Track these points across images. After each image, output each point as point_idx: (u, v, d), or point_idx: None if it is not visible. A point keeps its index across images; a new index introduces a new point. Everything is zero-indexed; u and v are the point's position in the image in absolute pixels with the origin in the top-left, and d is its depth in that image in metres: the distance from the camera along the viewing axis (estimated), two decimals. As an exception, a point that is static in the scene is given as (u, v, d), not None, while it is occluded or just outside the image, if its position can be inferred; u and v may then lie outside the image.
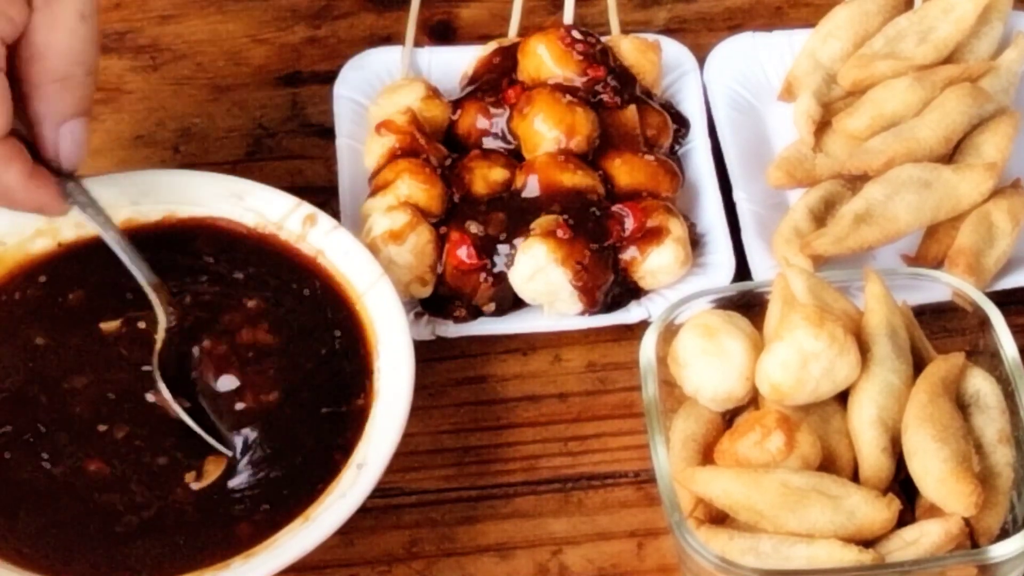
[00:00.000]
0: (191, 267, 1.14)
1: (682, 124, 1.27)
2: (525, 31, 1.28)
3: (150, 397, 1.08)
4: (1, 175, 1.04)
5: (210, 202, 1.17)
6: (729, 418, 1.07)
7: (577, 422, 1.15)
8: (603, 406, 1.15)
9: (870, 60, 1.25)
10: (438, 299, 1.17)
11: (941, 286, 1.09)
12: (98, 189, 1.10)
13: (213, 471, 1.06)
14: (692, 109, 1.27)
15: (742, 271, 1.18)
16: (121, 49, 1.35)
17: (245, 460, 1.06)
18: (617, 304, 1.17)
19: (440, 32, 1.36)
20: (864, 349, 1.04)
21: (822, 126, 1.23)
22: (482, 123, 1.24)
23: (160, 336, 1.09)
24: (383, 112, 1.24)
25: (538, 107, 1.21)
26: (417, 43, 1.31)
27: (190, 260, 1.15)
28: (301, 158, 1.29)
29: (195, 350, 1.09)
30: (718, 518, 1.02)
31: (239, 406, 1.07)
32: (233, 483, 1.06)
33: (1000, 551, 0.98)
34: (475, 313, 1.17)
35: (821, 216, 1.19)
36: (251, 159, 1.29)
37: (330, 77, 1.29)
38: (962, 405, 1.05)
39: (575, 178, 1.18)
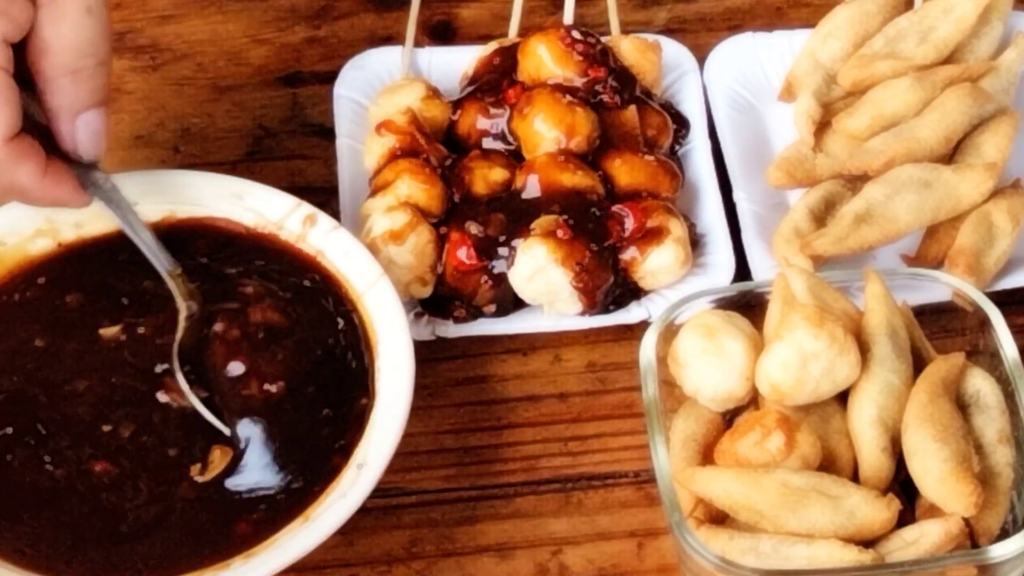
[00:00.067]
0: (191, 267, 1.14)
1: (682, 124, 1.27)
2: (525, 31, 1.28)
3: (161, 397, 1.08)
4: (14, 174, 1.05)
5: (210, 202, 1.17)
6: (729, 418, 1.06)
7: (577, 422, 1.15)
8: (603, 406, 1.15)
9: (870, 60, 1.25)
10: (438, 299, 1.17)
11: (941, 286, 1.09)
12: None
13: (219, 462, 1.06)
14: (692, 109, 1.27)
15: (742, 271, 1.18)
16: (121, 49, 1.34)
17: (247, 457, 1.06)
18: (617, 304, 1.17)
19: (440, 32, 1.36)
20: (864, 349, 1.04)
21: (822, 126, 1.23)
22: (482, 123, 1.23)
23: (181, 325, 1.10)
24: (383, 112, 1.24)
25: (538, 107, 1.21)
26: (417, 43, 1.31)
27: (190, 260, 1.14)
28: (301, 158, 1.29)
29: (206, 331, 1.10)
30: (718, 518, 1.02)
31: (245, 392, 1.07)
32: (234, 481, 1.06)
33: (1000, 551, 0.98)
34: (475, 313, 1.17)
35: (821, 216, 1.19)
36: (251, 159, 1.29)
37: (330, 77, 1.29)
38: (962, 405, 1.05)
39: (575, 178, 1.18)
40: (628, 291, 1.18)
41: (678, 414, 1.06)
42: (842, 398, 1.04)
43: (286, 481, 1.06)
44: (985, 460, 1.03)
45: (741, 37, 1.32)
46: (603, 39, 1.26)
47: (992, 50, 1.28)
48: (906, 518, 1.01)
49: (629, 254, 1.17)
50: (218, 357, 1.08)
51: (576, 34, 1.24)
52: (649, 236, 1.17)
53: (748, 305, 1.08)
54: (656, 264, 1.17)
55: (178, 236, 1.15)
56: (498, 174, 1.20)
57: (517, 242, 1.16)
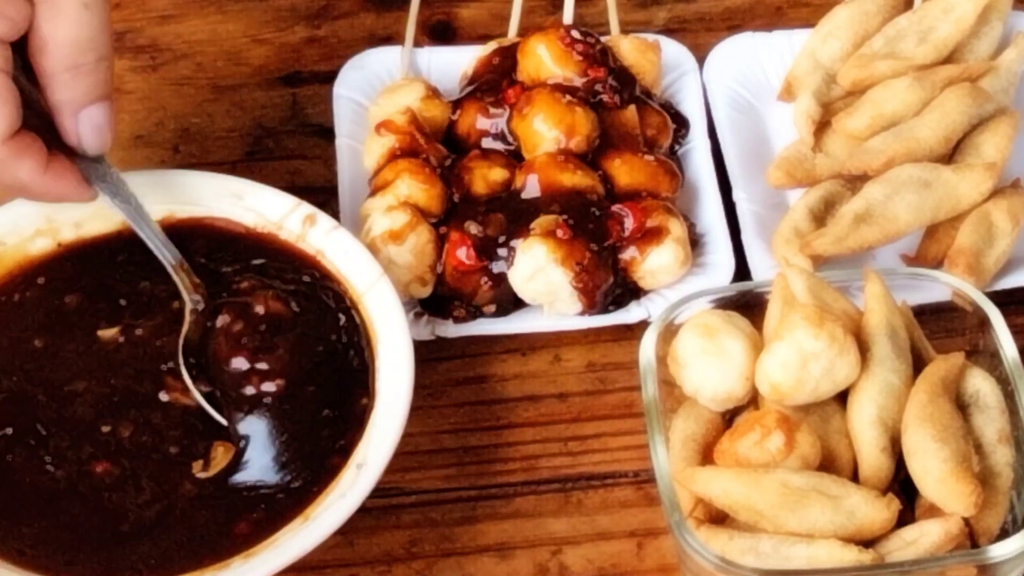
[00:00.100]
0: (191, 266, 1.14)
1: (682, 124, 1.27)
2: (525, 31, 1.28)
3: (163, 396, 1.08)
4: (15, 171, 1.05)
5: (210, 202, 1.17)
6: (729, 418, 1.06)
7: (577, 422, 1.15)
8: (603, 406, 1.15)
9: (870, 60, 1.25)
10: (438, 299, 1.17)
11: (941, 286, 1.09)
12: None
13: (222, 458, 1.06)
14: (692, 109, 1.27)
15: (742, 271, 1.18)
16: (121, 49, 1.34)
17: (248, 454, 1.06)
18: (617, 304, 1.17)
19: (440, 32, 1.36)
20: (864, 349, 1.04)
21: (822, 126, 1.23)
22: (482, 123, 1.23)
23: (187, 319, 1.10)
24: (383, 112, 1.24)
25: (538, 107, 1.21)
26: (417, 43, 1.31)
27: (190, 260, 1.14)
28: (301, 158, 1.29)
29: (210, 325, 1.10)
30: (718, 518, 1.02)
31: (248, 388, 1.07)
32: (235, 480, 1.06)
33: (1000, 551, 0.98)
34: (475, 313, 1.17)
35: (821, 216, 1.19)
36: (251, 159, 1.29)
37: (330, 77, 1.29)
38: (962, 405, 1.05)
39: (575, 178, 1.18)
40: (628, 291, 1.18)
41: (678, 414, 1.06)
42: (842, 398, 1.04)
43: (286, 480, 1.06)
44: (985, 460, 1.03)
45: (741, 37, 1.32)
46: (603, 39, 1.26)
47: (992, 50, 1.28)
48: (906, 518, 1.01)
49: (629, 254, 1.17)
50: (222, 351, 1.08)
51: (576, 34, 1.24)
52: (649, 236, 1.17)
53: (748, 305, 1.08)
54: (656, 264, 1.17)
55: (178, 236, 1.15)
56: (498, 174, 1.20)
57: (517, 242, 1.16)
